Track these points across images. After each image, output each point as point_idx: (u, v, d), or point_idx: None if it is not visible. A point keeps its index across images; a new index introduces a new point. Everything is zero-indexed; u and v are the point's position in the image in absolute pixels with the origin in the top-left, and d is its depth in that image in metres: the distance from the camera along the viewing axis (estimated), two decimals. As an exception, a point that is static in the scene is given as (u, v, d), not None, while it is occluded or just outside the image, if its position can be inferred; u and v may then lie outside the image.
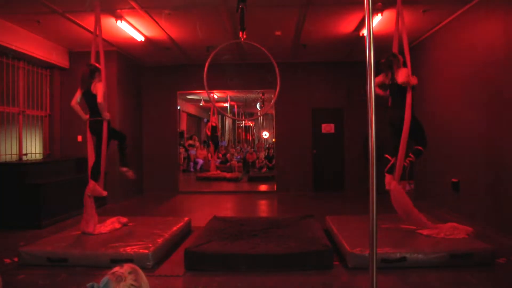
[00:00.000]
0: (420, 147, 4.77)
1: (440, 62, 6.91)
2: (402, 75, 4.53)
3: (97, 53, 4.96)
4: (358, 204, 7.86)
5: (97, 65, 4.91)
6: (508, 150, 4.94)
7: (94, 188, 4.84)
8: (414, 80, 4.54)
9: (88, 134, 4.95)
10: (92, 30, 6.58)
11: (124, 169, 5.27)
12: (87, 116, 4.91)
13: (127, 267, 1.44)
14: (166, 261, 4.29)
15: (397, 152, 4.65)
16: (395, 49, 4.86)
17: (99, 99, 4.71)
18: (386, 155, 4.82)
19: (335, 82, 9.54)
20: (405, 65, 4.66)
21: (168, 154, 9.78)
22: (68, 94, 8.09)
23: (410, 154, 4.82)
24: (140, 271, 1.46)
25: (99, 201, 7.23)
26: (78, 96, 4.89)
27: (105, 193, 5.00)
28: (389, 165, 4.76)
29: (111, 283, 1.37)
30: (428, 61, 7.41)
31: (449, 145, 6.37)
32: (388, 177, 4.76)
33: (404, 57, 4.69)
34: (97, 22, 4.94)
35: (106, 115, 4.83)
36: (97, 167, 4.87)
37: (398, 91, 4.64)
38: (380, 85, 4.84)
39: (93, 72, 4.83)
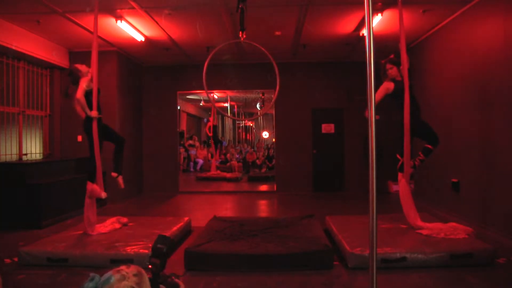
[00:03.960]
0: (429, 146, 4.85)
1: (440, 62, 6.91)
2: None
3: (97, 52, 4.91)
4: (358, 204, 7.86)
5: (77, 66, 4.81)
6: (508, 150, 4.94)
7: (92, 189, 4.74)
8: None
9: (95, 135, 4.73)
10: (92, 30, 6.60)
11: (115, 174, 5.07)
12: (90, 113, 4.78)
13: (133, 268, 1.43)
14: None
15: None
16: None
17: (77, 94, 4.59)
18: (397, 155, 4.89)
19: (335, 82, 9.54)
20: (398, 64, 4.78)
21: (168, 154, 9.77)
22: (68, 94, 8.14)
23: (419, 153, 4.91)
24: (146, 276, 1.45)
25: (99, 201, 7.26)
26: (83, 88, 4.69)
27: (103, 195, 4.83)
28: (399, 164, 4.86)
29: (113, 279, 1.37)
30: (428, 61, 7.41)
31: (449, 145, 6.36)
32: (400, 175, 4.88)
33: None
34: (95, 21, 4.90)
35: (92, 113, 4.64)
36: (91, 168, 4.75)
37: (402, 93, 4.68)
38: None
39: (76, 78, 4.72)
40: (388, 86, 4.78)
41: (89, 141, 4.76)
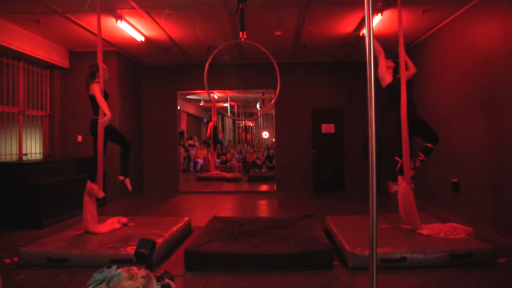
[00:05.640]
0: (429, 145, 4.77)
1: (440, 62, 6.91)
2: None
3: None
4: (358, 204, 7.86)
5: (105, 67, 4.82)
6: (507, 150, 4.94)
7: (91, 187, 4.78)
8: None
9: (99, 136, 4.72)
10: (92, 30, 6.61)
11: (121, 177, 5.06)
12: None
13: (143, 271, 1.46)
14: (166, 261, 4.29)
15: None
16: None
17: (98, 101, 4.61)
18: (396, 157, 4.78)
19: (335, 82, 9.54)
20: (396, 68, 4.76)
21: (168, 154, 9.77)
22: (68, 94, 8.15)
23: (420, 153, 4.83)
24: (154, 280, 1.47)
25: (99, 201, 7.26)
26: (99, 91, 4.64)
27: (101, 195, 4.84)
28: (398, 166, 4.73)
29: (121, 275, 1.39)
30: (428, 61, 7.41)
31: (449, 145, 6.36)
32: (399, 178, 4.74)
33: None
34: (99, 24, 4.88)
35: (107, 113, 4.64)
36: (92, 167, 4.81)
37: (398, 92, 4.61)
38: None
39: (94, 73, 4.77)
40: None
41: (94, 141, 4.80)
